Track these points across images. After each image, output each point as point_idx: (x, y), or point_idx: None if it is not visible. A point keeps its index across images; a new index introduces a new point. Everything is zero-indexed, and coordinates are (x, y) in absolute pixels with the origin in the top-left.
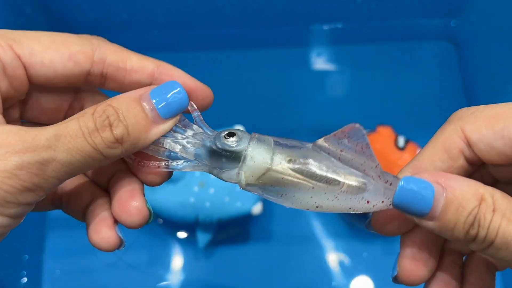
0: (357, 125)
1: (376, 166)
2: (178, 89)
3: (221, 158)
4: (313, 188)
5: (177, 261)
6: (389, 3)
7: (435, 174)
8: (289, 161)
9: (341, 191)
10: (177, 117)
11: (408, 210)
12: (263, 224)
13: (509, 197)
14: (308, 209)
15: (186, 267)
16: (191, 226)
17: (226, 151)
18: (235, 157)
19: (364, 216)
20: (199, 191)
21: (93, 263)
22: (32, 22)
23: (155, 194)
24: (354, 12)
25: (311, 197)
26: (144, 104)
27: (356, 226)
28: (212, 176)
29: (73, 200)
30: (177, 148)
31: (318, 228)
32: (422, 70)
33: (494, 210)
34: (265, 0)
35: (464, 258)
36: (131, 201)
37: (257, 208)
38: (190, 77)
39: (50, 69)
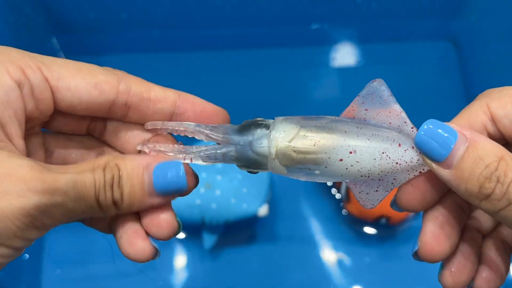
0: (378, 80)
1: (401, 112)
2: (179, 174)
3: (251, 128)
4: (344, 137)
5: (183, 262)
6: (389, 3)
7: (462, 127)
8: (316, 125)
9: (372, 135)
10: (173, 197)
11: (427, 150)
12: (269, 225)
13: None
14: (341, 163)
15: (191, 269)
16: (197, 227)
17: (256, 122)
18: (265, 126)
19: (364, 222)
20: (205, 193)
21: (94, 264)
22: (32, 22)
23: None
24: (354, 12)
25: (344, 140)
26: (146, 175)
27: (362, 230)
28: (218, 177)
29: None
30: (202, 136)
31: (323, 230)
32: (422, 70)
33: None
34: (265, 0)
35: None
36: (161, 214)
37: (263, 210)
38: (209, 103)
39: (75, 95)
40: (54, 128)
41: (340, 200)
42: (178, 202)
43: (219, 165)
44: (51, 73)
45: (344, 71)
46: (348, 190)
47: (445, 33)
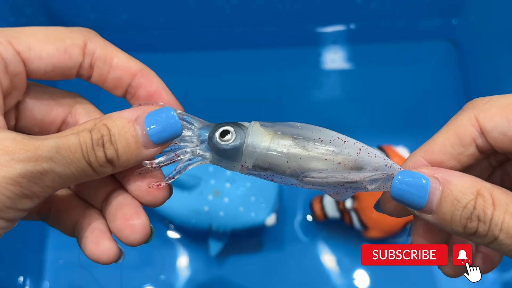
0: None
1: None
2: (173, 118)
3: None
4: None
5: (188, 268)
6: (389, 3)
7: (433, 169)
8: (291, 138)
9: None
10: (169, 143)
11: (405, 203)
12: (276, 235)
13: (508, 192)
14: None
15: (196, 275)
16: (204, 234)
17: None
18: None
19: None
20: (213, 200)
21: (96, 264)
22: (32, 23)
23: (169, 201)
24: (354, 12)
25: (320, 131)
26: (138, 128)
27: (372, 240)
28: (227, 185)
29: (63, 214)
30: (184, 154)
31: (332, 242)
32: (422, 70)
33: (494, 205)
34: (265, 1)
35: None
36: (136, 218)
37: (271, 219)
38: (167, 90)
39: (48, 63)
40: (27, 120)
41: (349, 211)
42: (185, 208)
43: (228, 172)
44: (22, 45)
45: (344, 72)
46: (361, 219)
47: (445, 33)
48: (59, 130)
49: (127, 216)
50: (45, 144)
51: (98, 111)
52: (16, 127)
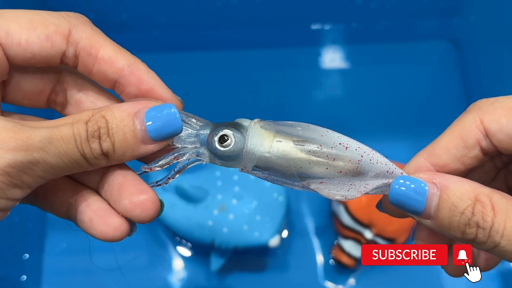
0: None
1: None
2: (174, 115)
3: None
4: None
5: (188, 281)
6: (388, 3)
7: (432, 174)
8: (292, 142)
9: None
10: (168, 140)
11: (404, 208)
12: (278, 257)
13: (508, 196)
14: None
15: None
16: (206, 248)
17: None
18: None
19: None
20: (218, 215)
21: (98, 272)
22: None
23: (174, 212)
24: (354, 12)
25: (322, 135)
26: (137, 122)
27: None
28: (233, 201)
29: (54, 196)
30: (182, 156)
31: (336, 267)
32: (422, 70)
33: (494, 211)
34: (265, 1)
35: None
36: (143, 195)
37: (274, 241)
38: (161, 85)
39: (27, 50)
40: (15, 92)
41: (373, 239)
42: (190, 221)
43: (237, 188)
44: (0, 30)
45: (343, 71)
46: (386, 238)
47: (445, 33)
48: (49, 100)
49: (134, 194)
50: (37, 133)
51: (84, 77)
52: (4, 101)
